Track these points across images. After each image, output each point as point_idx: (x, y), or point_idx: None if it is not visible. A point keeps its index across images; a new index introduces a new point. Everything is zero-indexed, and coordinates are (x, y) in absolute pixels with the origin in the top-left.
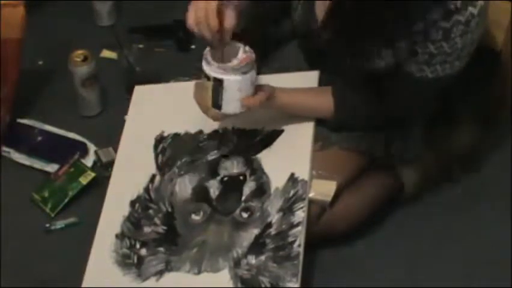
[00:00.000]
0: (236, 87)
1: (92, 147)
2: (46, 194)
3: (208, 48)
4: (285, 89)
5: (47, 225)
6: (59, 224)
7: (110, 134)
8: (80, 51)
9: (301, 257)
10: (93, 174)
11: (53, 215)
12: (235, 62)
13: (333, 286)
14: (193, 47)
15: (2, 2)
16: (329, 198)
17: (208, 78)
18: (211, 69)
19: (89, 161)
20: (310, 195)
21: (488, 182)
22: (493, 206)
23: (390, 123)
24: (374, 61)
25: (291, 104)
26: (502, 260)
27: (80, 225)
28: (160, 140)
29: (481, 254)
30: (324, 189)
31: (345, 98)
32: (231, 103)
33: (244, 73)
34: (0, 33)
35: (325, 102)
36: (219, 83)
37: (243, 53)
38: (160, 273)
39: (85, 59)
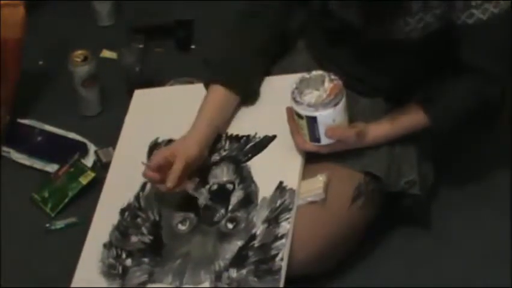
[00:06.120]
0: (330, 120)
1: (92, 147)
2: (46, 194)
3: (294, 86)
4: (377, 121)
5: (47, 225)
6: (59, 224)
7: (110, 134)
8: (80, 51)
9: (283, 271)
10: (93, 174)
11: (53, 215)
12: (323, 94)
13: (333, 286)
14: (193, 47)
15: (2, 2)
16: (320, 190)
17: (299, 116)
18: (302, 108)
19: (89, 161)
20: (301, 197)
21: (488, 182)
22: (493, 206)
23: (495, 93)
24: (400, 25)
25: (385, 134)
26: (502, 260)
27: (80, 225)
28: (154, 146)
29: (481, 254)
30: (313, 186)
31: (432, 100)
32: None
33: (336, 104)
34: (0, 33)
35: (416, 115)
36: (313, 120)
37: (329, 82)
38: (142, 285)
39: (85, 59)
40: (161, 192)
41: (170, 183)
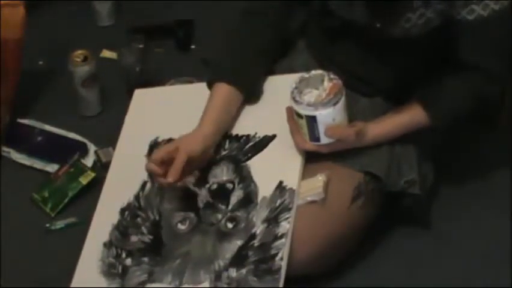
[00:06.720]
0: (330, 119)
1: (92, 147)
2: (46, 194)
3: (294, 86)
4: (376, 120)
5: (47, 225)
6: (59, 224)
7: (110, 134)
8: (80, 51)
9: (283, 271)
10: (93, 174)
11: (53, 215)
12: (323, 93)
13: (333, 286)
14: (193, 47)
15: (2, 2)
16: (320, 190)
17: (299, 115)
18: (301, 107)
19: (89, 161)
20: (301, 196)
21: (488, 182)
22: (493, 206)
23: (493, 90)
24: (402, 20)
25: (385, 133)
26: (502, 260)
27: (80, 225)
28: (153, 145)
29: (481, 254)
30: (313, 186)
31: (432, 98)
32: None
33: (336, 103)
34: (0, 33)
35: (416, 113)
36: (312, 120)
37: (329, 82)
38: (142, 284)
39: (85, 59)
40: (161, 191)
41: (171, 177)
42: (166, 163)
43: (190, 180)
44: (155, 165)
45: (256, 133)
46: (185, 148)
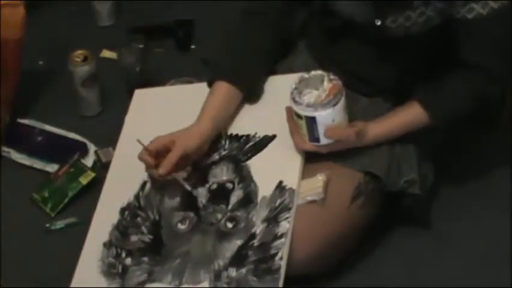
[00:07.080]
0: (330, 120)
1: (92, 147)
2: (46, 194)
3: (293, 86)
4: (376, 120)
5: (47, 225)
6: (59, 224)
7: (110, 134)
8: (80, 51)
9: (282, 270)
10: (93, 174)
11: (53, 215)
12: (322, 94)
13: (333, 286)
14: (193, 47)
15: (2, 2)
16: (320, 190)
17: (298, 116)
18: (301, 108)
19: (89, 161)
20: (301, 196)
21: (488, 182)
22: (493, 206)
23: (495, 88)
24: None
25: (385, 133)
26: (502, 260)
27: (80, 225)
28: None
29: (481, 254)
30: (313, 186)
31: (432, 98)
32: None
33: (335, 104)
34: (0, 33)
35: (417, 113)
36: (312, 120)
37: (329, 82)
38: (142, 284)
39: (85, 59)
40: (161, 191)
41: (162, 169)
42: (160, 155)
43: (181, 175)
44: (148, 156)
45: (256, 133)
46: (182, 143)
